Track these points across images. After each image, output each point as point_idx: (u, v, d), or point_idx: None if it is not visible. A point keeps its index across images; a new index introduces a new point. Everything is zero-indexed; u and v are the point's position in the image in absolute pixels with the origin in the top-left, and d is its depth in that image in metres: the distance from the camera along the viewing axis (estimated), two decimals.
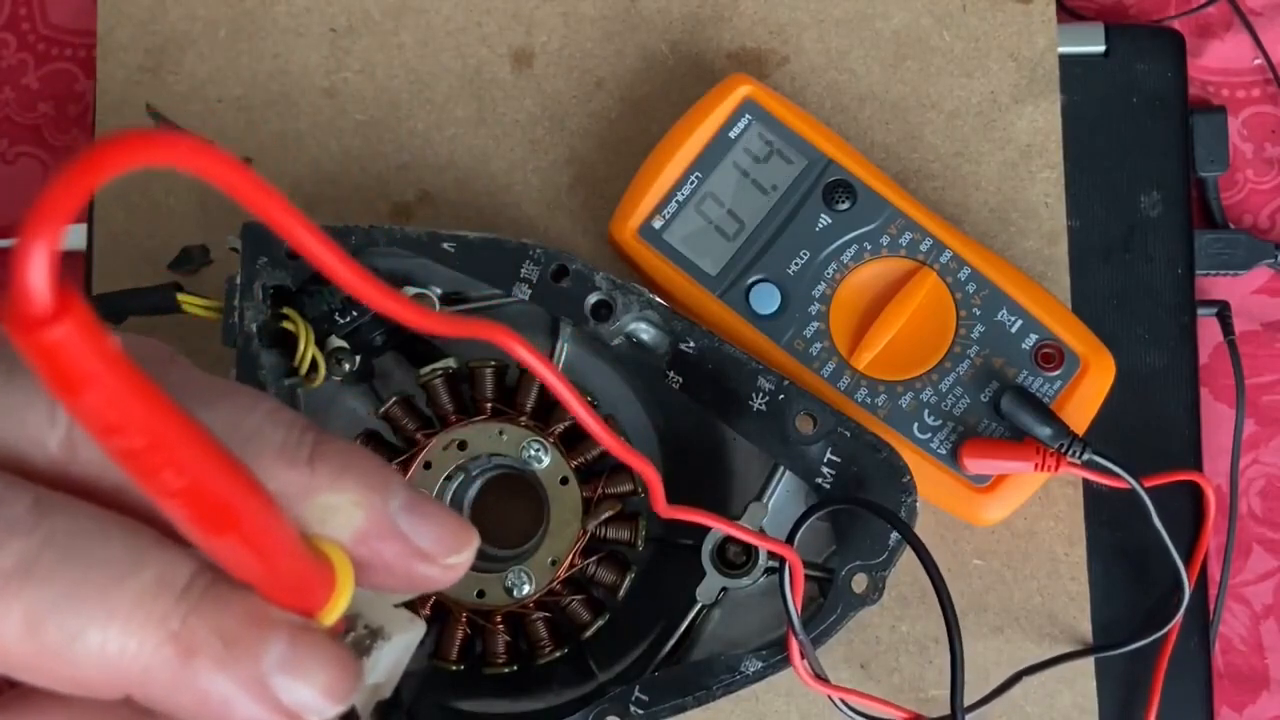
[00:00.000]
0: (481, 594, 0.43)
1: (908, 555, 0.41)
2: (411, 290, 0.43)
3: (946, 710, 0.42)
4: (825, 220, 0.46)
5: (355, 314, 0.43)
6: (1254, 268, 0.51)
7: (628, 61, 0.51)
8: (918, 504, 0.42)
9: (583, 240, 0.50)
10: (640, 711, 0.42)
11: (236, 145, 0.50)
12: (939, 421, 0.45)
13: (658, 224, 0.47)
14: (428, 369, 0.44)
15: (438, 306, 0.44)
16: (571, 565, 0.43)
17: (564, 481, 0.44)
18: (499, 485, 0.47)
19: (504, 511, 0.47)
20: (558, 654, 0.44)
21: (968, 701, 0.44)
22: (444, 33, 0.51)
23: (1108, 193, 0.50)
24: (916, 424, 0.45)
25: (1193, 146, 0.51)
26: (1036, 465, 0.43)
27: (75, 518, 0.21)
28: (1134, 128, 0.51)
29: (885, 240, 0.46)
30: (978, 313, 0.46)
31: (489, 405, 0.44)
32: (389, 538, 0.23)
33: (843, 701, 0.44)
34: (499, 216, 0.50)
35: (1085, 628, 0.48)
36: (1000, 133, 0.50)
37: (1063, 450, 0.43)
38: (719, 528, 0.38)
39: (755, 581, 0.43)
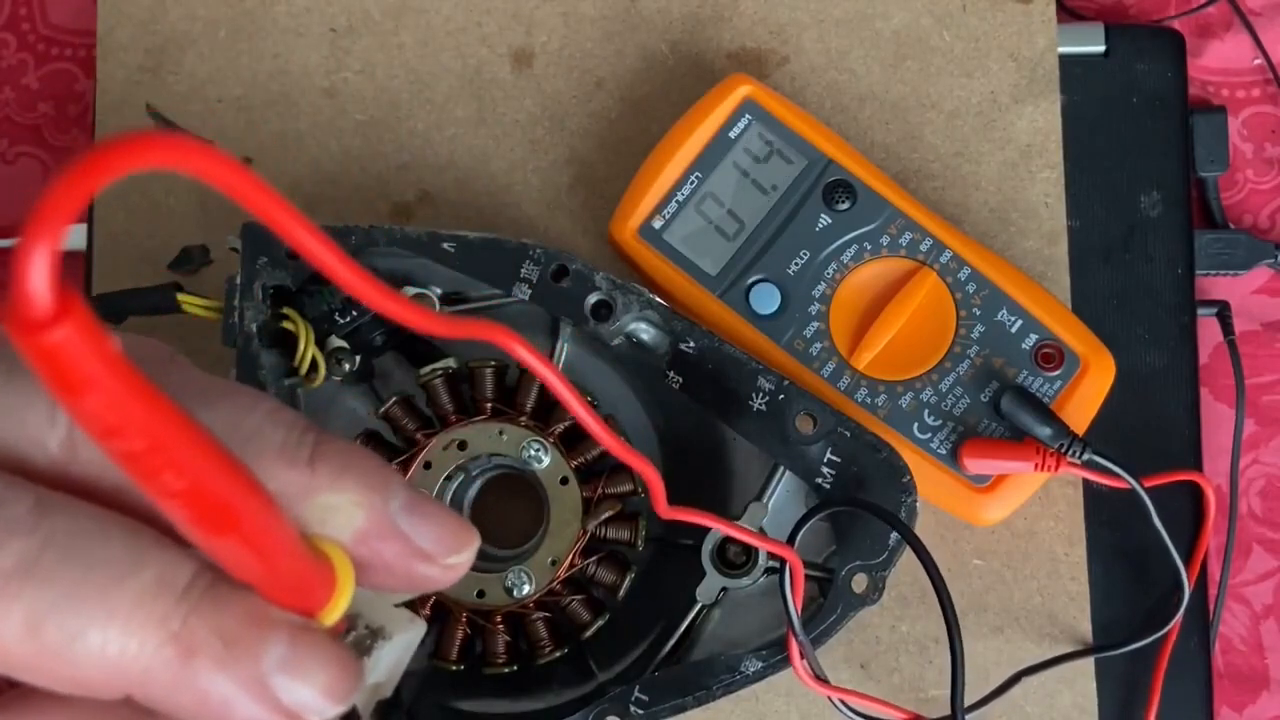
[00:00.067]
0: (481, 594, 0.43)
1: (908, 555, 0.41)
2: (411, 290, 0.43)
3: (946, 710, 0.42)
4: (825, 220, 0.46)
5: (355, 314, 0.43)
6: (1254, 268, 0.51)
7: (628, 61, 0.51)
8: (918, 504, 0.42)
9: (583, 240, 0.50)
10: (640, 711, 0.42)
11: (236, 145, 0.50)
12: (939, 421, 0.45)
13: (658, 224, 0.47)
14: (428, 369, 0.44)
15: (438, 306, 0.44)
16: (571, 565, 0.43)
17: (564, 481, 0.44)
18: (499, 485, 0.47)
19: (504, 511, 0.47)
20: (558, 654, 0.45)
21: (968, 701, 0.44)
22: (444, 33, 0.51)
23: (1108, 193, 0.50)
24: (916, 424, 0.45)
25: (1193, 146, 0.51)
26: (1036, 465, 0.43)
27: (76, 518, 0.21)
28: (1134, 128, 0.51)
29: (885, 240, 0.46)
30: (978, 313, 0.46)
31: (489, 405, 0.44)
32: (389, 538, 0.23)
33: (842, 702, 0.44)
34: (499, 216, 0.50)
35: (1085, 628, 0.48)
36: (1000, 133, 0.50)
37: (1063, 450, 0.43)
38: (719, 528, 0.38)
39: (755, 581, 0.43)
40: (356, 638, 0.24)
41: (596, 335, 0.43)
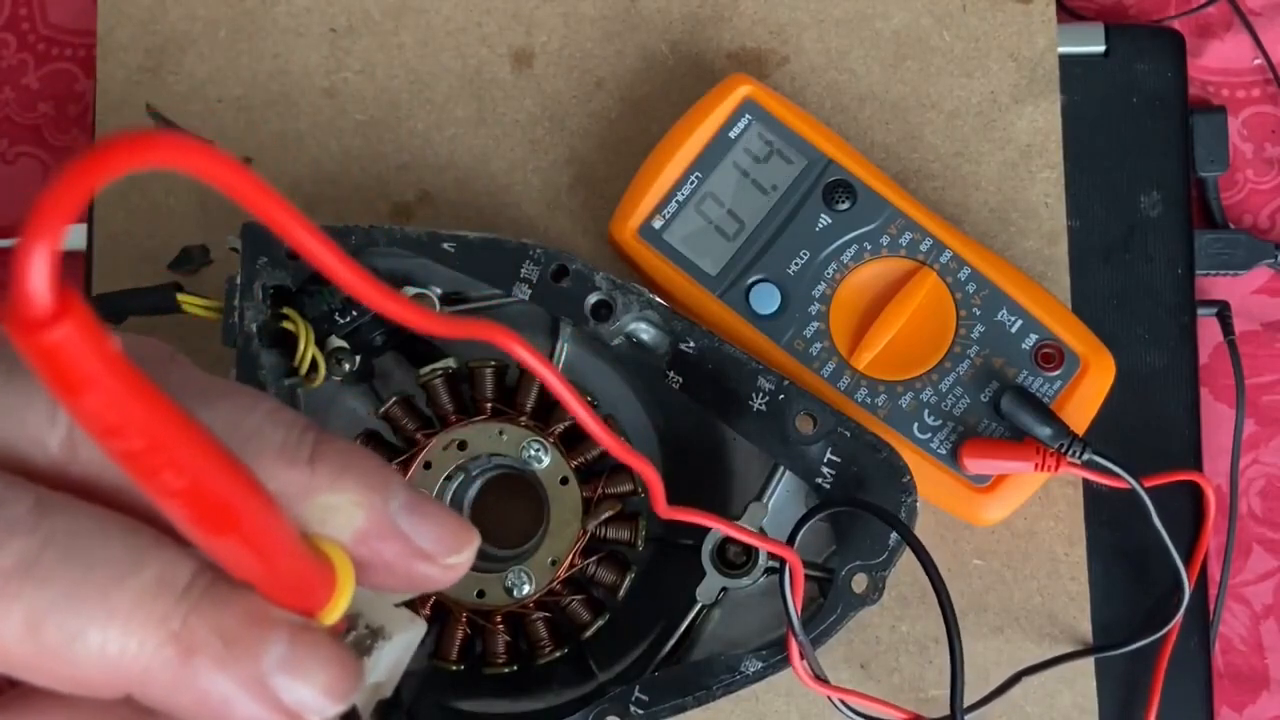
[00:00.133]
0: (481, 594, 0.43)
1: (908, 555, 0.41)
2: (411, 290, 0.43)
3: (946, 710, 0.42)
4: (825, 220, 0.46)
5: (355, 314, 0.43)
6: (1254, 268, 0.51)
7: (628, 61, 0.51)
8: (918, 504, 0.42)
9: (583, 240, 0.50)
10: (640, 711, 0.42)
11: (236, 145, 0.50)
12: (939, 421, 0.45)
13: (658, 224, 0.47)
14: (428, 369, 0.44)
15: (438, 306, 0.44)
16: (571, 565, 0.43)
17: (564, 481, 0.44)
18: (499, 485, 0.47)
19: (504, 511, 0.47)
20: (558, 654, 0.44)
21: (968, 701, 0.44)
22: (444, 33, 0.51)
23: (1108, 193, 0.50)
24: (916, 424, 0.45)
25: (1193, 146, 0.51)
26: (1036, 465, 0.43)
27: (75, 518, 0.21)
28: (1134, 128, 0.51)
29: (885, 240, 0.46)
30: (978, 313, 0.46)
31: (489, 405, 0.44)
32: (389, 537, 0.23)
33: (842, 702, 0.44)
34: (499, 216, 0.50)
35: (1085, 628, 0.48)
36: (1000, 133, 0.50)
37: (1063, 450, 0.43)
38: (719, 528, 0.38)
39: (755, 581, 0.43)
40: (356, 637, 0.24)
41: (596, 335, 0.43)
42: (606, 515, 0.44)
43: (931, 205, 0.48)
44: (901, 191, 0.47)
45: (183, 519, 0.20)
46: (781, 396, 0.42)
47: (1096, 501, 0.48)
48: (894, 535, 0.42)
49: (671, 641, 0.44)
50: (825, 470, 0.42)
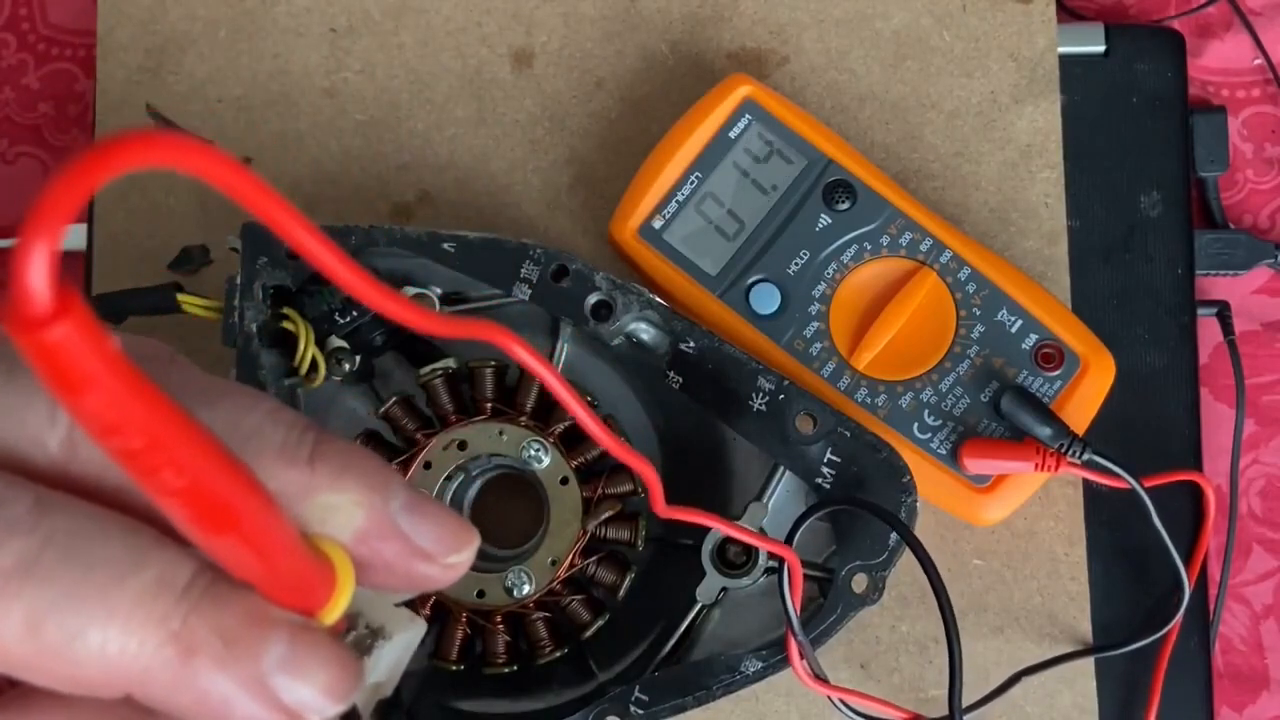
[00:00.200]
0: (481, 594, 0.43)
1: (908, 555, 0.41)
2: (411, 290, 0.43)
3: (946, 710, 0.42)
4: (825, 220, 0.46)
5: (355, 314, 0.43)
6: (1254, 268, 0.51)
7: (628, 61, 0.51)
8: (918, 504, 0.42)
9: (583, 240, 0.50)
10: (640, 711, 0.42)
11: (236, 145, 0.50)
12: (939, 421, 0.45)
13: (658, 224, 0.47)
14: (428, 369, 0.44)
15: (438, 306, 0.44)
16: (571, 565, 0.43)
17: (564, 481, 0.44)
18: (499, 485, 0.47)
19: (504, 511, 0.47)
20: (558, 654, 0.44)
21: (967, 701, 0.44)
22: (444, 33, 0.51)
23: (1108, 193, 0.50)
24: (916, 424, 0.45)
25: (1193, 146, 0.51)
26: (1036, 465, 0.43)
27: (75, 517, 0.21)
28: (1134, 128, 0.51)
29: (885, 240, 0.46)
30: (978, 313, 0.46)
31: (489, 405, 0.44)
32: (389, 537, 0.23)
33: (842, 702, 0.44)
34: (499, 216, 0.50)
35: (1085, 628, 0.48)
36: (1000, 133, 0.50)
37: (1063, 450, 0.43)
38: (719, 528, 0.38)
39: (755, 581, 0.43)
40: (356, 637, 0.24)
41: (596, 335, 0.43)
42: (606, 515, 0.44)
43: (931, 205, 0.48)
44: (901, 191, 0.47)
45: (182, 518, 0.20)
46: (781, 396, 0.42)
47: (1096, 501, 0.48)
48: (894, 535, 0.42)
49: (671, 641, 0.44)
50: (825, 470, 0.42)
